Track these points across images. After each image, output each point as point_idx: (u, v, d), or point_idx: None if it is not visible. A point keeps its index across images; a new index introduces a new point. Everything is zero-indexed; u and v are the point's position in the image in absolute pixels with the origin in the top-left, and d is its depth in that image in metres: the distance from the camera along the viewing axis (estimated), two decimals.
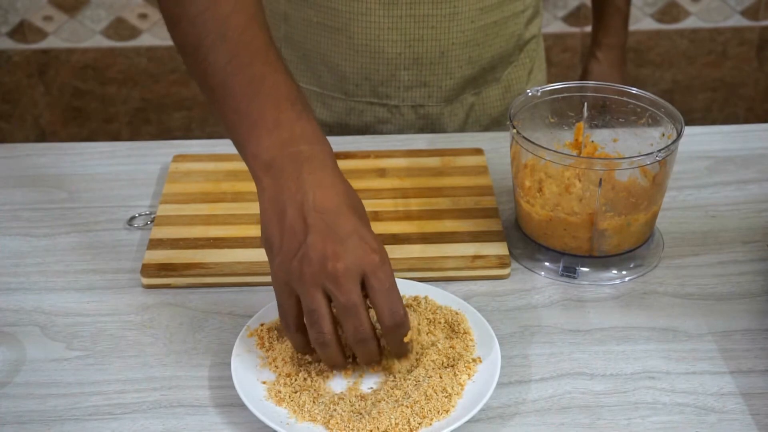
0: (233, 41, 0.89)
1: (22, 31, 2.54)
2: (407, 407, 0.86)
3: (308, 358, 0.92)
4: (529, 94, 1.09)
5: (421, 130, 1.37)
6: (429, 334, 0.95)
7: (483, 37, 1.31)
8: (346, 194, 0.86)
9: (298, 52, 1.35)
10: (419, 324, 0.95)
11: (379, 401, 0.87)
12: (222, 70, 0.88)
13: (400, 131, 1.37)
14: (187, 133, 2.68)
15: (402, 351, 0.88)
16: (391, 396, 0.88)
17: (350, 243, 0.83)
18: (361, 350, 0.86)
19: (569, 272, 1.04)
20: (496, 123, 1.41)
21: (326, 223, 0.83)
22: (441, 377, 0.90)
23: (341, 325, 0.85)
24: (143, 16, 2.53)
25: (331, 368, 0.90)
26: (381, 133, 1.37)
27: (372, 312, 0.86)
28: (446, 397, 0.88)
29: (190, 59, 0.91)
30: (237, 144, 0.90)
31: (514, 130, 1.03)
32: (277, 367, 0.92)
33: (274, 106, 0.87)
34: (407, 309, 0.96)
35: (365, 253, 0.83)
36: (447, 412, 0.87)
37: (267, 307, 0.98)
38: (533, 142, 1.02)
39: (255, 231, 1.08)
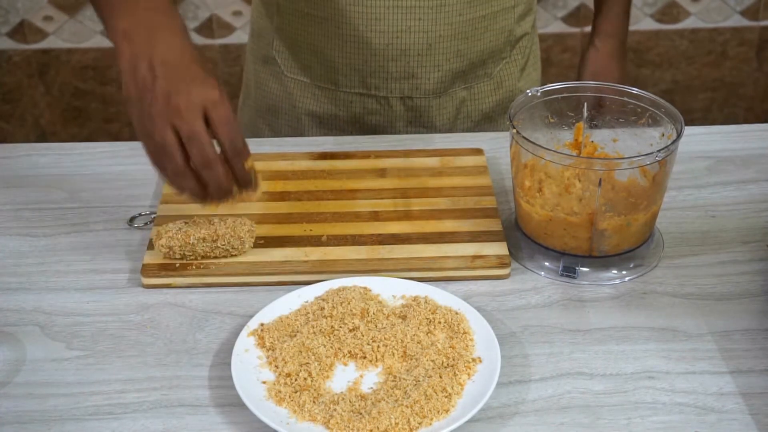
0: None
1: (22, 31, 2.54)
2: (407, 407, 0.86)
3: (306, 358, 0.92)
4: (529, 94, 1.09)
5: (410, 122, 1.37)
6: (429, 334, 0.95)
7: (471, 30, 1.31)
8: (191, 53, 0.99)
9: (290, 44, 1.36)
10: (419, 324, 0.96)
11: (379, 401, 0.88)
12: None
13: (389, 123, 1.36)
14: None
15: (245, 178, 0.98)
16: (391, 396, 0.88)
17: (193, 84, 0.95)
18: (208, 175, 0.95)
19: (569, 272, 1.04)
20: (487, 119, 1.40)
21: (172, 72, 0.96)
22: (441, 377, 0.90)
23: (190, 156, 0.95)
24: None
25: (212, 198, 0.98)
26: (369, 123, 1.37)
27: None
28: (446, 396, 0.88)
29: None
30: (103, 24, 1.01)
31: (514, 131, 1.03)
32: (277, 367, 0.92)
33: None
34: (407, 308, 0.97)
35: (205, 90, 0.95)
36: (447, 412, 0.87)
37: (267, 307, 0.98)
38: (533, 143, 1.02)
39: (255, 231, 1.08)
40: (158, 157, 0.97)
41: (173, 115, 0.94)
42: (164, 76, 0.95)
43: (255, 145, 1.30)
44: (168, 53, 0.97)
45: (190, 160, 0.95)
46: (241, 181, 0.98)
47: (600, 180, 1.00)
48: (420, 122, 1.37)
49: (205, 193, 0.98)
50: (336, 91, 1.35)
